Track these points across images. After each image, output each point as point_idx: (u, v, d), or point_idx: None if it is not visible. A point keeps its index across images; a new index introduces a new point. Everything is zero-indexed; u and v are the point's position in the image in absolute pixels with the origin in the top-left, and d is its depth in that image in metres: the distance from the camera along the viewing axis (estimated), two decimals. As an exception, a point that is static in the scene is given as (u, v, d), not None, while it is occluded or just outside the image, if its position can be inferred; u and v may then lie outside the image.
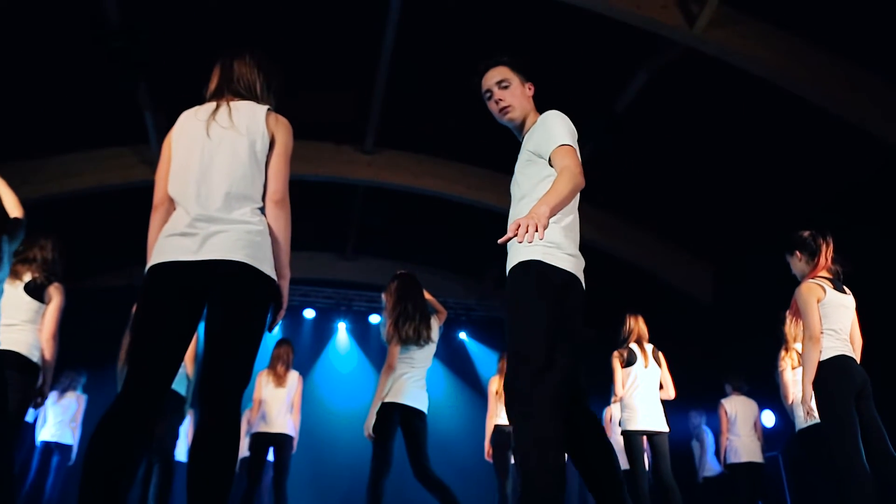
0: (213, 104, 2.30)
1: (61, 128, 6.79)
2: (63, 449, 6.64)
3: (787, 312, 4.41)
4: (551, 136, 2.37)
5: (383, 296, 4.38)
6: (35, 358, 3.61)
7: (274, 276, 2.18)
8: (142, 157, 7.19)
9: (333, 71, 6.56)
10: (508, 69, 2.57)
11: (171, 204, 2.24)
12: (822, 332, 3.43)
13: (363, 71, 6.35)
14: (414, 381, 4.12)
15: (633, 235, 8.53)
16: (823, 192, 6.57)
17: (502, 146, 7.12)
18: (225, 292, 2.08)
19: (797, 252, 3.66)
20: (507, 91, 2.55)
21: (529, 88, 2.60)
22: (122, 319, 4.14)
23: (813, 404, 3.41)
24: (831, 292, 3.51)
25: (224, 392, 2.03)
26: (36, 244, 3.78)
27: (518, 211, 2.47)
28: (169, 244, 2.11)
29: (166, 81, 6.09)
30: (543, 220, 2.02)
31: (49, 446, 6.58)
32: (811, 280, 3.55)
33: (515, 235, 1.97)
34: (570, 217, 2.42)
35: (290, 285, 2.35)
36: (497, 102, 2.56)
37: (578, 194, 2.40)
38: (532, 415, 2.14)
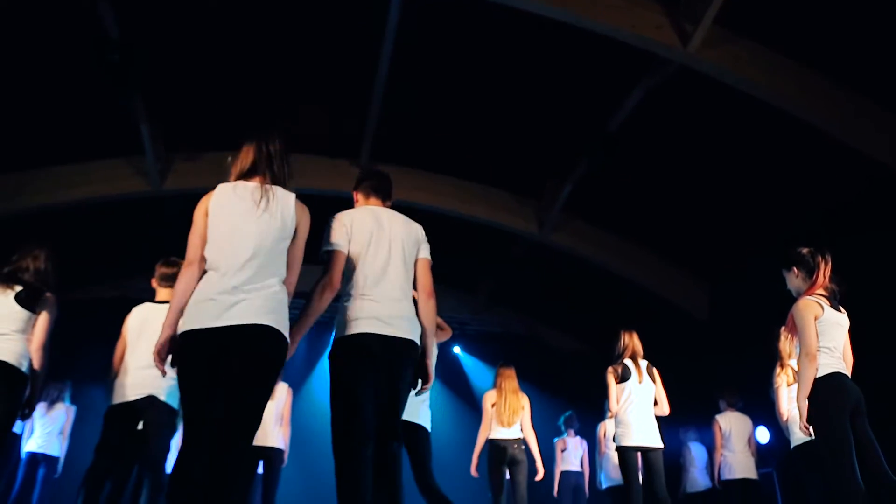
0: (249, 184, 2.58)
1: (56, 139, 6.77)
2: (49, 461, 6.55)
3: (783, 329, 4.41)
4: None
5: None
6: (24, 368, 3.57)
7: (289, 339, 2.51)
8: (136, 169, 7.16)
9: (330, 85, 6.58)
10: None
11: (202, 262, 2.51)
12: (818, 350, 3.43)
13: (360, 85, 6.36)
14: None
15: (627, 251, 8.54)
16: (817, 208, 6.61)
17: (496, 162, 7.15)
18: (248, 349, 2.36)
19: (795, 269, 3.65)
20: None
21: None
22: (113, 331, 4.10)
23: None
24: (828, 310, 3.50)
25: (232, 441, 2.29)
26: (29, 254, 3.76)
27: None
28: (203, 310, 2.38)
29: (163, 94, 6.10)
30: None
31: (35, 457, 6.50)
32: (809, 297, 3.54)
33: None
34: (360, 277, 3.00)
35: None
36: None
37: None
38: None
